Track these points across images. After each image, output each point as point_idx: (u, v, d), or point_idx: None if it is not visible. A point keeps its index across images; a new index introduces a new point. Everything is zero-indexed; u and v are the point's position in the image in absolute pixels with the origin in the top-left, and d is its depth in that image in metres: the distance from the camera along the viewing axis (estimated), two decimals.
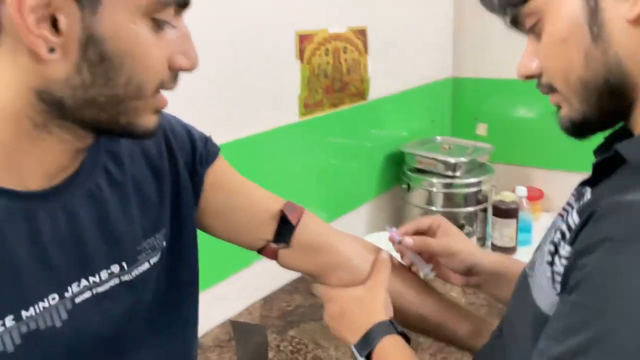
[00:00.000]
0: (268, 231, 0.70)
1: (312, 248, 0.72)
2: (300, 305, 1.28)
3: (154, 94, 0.50)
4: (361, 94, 1.53)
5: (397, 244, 0.76)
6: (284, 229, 0.70)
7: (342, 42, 1.40)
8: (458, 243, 0.74)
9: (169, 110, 0.73)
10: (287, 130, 1.30)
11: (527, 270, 0.56)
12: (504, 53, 1.91)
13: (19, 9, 0.40)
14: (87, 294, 0.55)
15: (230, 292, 1.24)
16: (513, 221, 1.54)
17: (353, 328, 0.65)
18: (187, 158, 0.66)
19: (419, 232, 0.77)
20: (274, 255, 0.72)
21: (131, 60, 0.46)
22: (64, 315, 0.53)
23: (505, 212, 1.54)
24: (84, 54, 0.44)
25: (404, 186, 1.65)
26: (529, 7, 0.49)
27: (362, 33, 1.47)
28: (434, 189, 1.57)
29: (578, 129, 0.51)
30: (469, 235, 1.58)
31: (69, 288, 0.53)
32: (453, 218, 1.56)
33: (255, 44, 1.18)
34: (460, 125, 1.97)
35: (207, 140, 0.70)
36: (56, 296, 0.52)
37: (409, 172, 1.63)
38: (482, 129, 1.94)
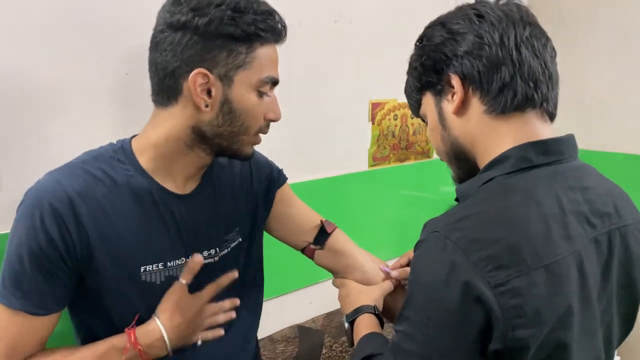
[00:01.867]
0: (310, 236, 1.02)
1: (338, 252, 1.01)
2: None
3: (254, 134, 0.85)
4: (426, 153, 1.81)
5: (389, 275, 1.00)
6: (321, 236, 1.01)
7: (409, 110, 1.71)
8: None
9: (278, 154, 1.09)
10: (358, 177, 1.61)
11: None
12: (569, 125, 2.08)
13: (194, 85, 0.77)
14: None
15: (301, 304, 1.53)
16: None
17: (350, 305, 0.94)
18: (266, 181, 1.01)
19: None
20: (311, 254, 1.02)
21: (245, 113, 0.81)
22: None
23: None
24: (221, 108, 0.80)
25: None
26: (420, 114, 0.79)
27: None
28: None
29: (459, 183, 0.77)
30: None
31: (190, 257, 0.87)
32: None
33: (337, 108, 1.53)
34: None
35: (280, 170, 1.05)
36: (184, 259, 0.86)
37: None
38: None
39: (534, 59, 0.67)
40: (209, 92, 0.78)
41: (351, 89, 1.56)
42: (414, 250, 0.66)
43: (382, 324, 0.92)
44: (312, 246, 1.02)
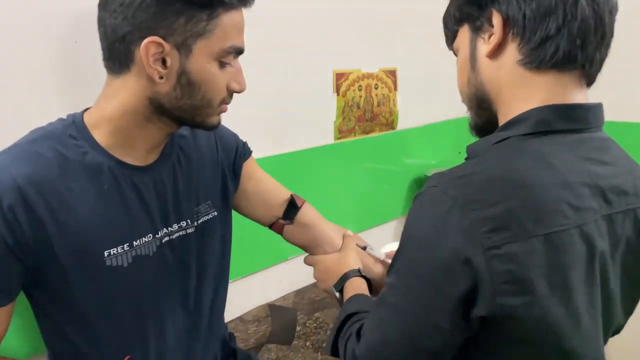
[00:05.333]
0: (279, 211, 0.98)
1: (308, 226, 0.99)
2: (327, 297, 1.51)
3: (218, 105, 0.79)
4: (390, 124, 1.79)
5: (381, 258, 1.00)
6: (291, 210, 0.98)
7: (373, 80, 1.68)
8: None
9: (241, 128, 1.03)
10: (324, 150, 1.57)
11: None
12: None
13: (146, 55, 0.69)
14: (166, 238, 0.83)
15: (271, 282, 1.49)
16: None
17: (334, 276, 0.92)
18: (231, 153, 0.95)
19: None
20: (280, 230, 0.99)
21: (205, 85, 0.75)
22: (154, 249, 0.81)
23: None
24: (179, 80, 0.73)
25: None
26: (453, 47, 0.74)
27: (392, 73, 1.74)
28: None
29: (475, 130, 0.74)
30: None
31: (159, 232, 0.82)
32: None
33: (300, 80, 1.47)
34: None
35: (244, 143, 0.99)
36: (151, 235, 0.81)
37: None
38: None
39: (590, 12, 0.59)
40: (163, 62, 0.71)
41: (315, 59, 1.50)
42: (413, 202, 0.62)
43: (370, 286, 0.90)
44: (281, 221, 0.99)
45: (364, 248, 1.00)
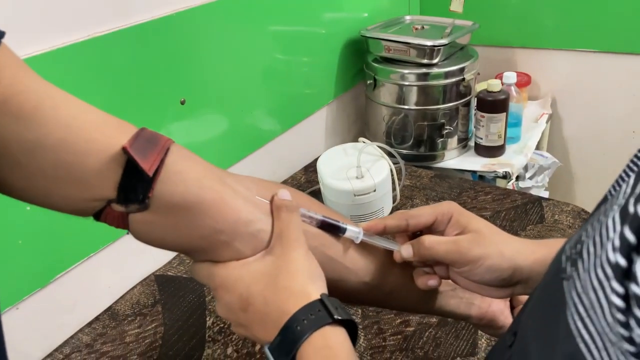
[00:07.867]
0: (107, 184, 0.39)
1: (186, 208, 0.41)
2: None
3: None
4: None
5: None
6: (135, 178, 0.39)
7: None
8: (479, 245, 0.47)
9: None
10: (203, 13, 0.93)
11: (562, 265, 0.28)
12: None
13: None
14: None
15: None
16: (502, 115, 1.27)
17: (266, 321, 0.41)
18: None
19: (413, 229, 0.51)
20: (121, 223, 0.40)
21: None
22: None
23: (493, 104, 1.26)
24: None
25: (369, 82, 1.33)
26: None
27: None
28: (406, 83, 1.26)
29: None
30: (449, 135, 1.31)
31: None
32: (430, 117, 1.28)
33: None
34: (430, 0, 1.62)
35: None
36: None
37: (373, 63, 1.30)
38: (457, 4, 1.59)
39: None
40: None
41: None
42: None
43: (354, 331, 0.41)
44: (118, 207, 0.40)
45: (326, 225, 0.48)
